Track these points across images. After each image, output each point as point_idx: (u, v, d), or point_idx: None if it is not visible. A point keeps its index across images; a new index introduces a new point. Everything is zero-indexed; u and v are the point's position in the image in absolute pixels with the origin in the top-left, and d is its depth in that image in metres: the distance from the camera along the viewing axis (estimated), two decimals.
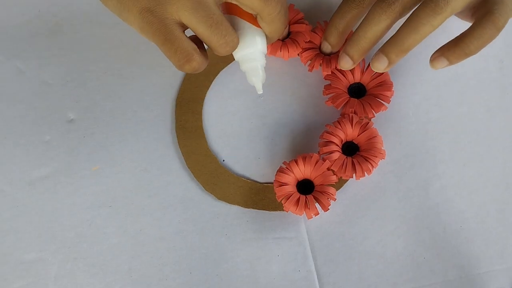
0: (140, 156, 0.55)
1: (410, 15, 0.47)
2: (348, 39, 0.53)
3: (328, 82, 0.55)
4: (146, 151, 0.55)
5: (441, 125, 0.55)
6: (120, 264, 0.51)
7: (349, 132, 0.53)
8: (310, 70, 0.56)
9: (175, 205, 0.53)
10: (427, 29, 0.46)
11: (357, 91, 0.55)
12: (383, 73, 0.54)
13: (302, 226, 0.52)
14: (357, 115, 0.53)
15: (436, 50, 0.48)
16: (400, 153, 0.54)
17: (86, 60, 0.55)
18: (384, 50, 0.48)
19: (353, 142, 0.53)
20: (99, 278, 0.51)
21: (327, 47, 0.55)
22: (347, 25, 0.51)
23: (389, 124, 0.55)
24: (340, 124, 0.53)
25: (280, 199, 0.51)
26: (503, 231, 0.51)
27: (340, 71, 0.55)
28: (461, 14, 0.49)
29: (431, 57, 0.48)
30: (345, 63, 0.51)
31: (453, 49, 0.46)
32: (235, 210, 0.53)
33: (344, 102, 0.54)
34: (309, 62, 0.56)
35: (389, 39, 0.47)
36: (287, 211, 0.51)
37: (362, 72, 0.55)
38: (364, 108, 0.53)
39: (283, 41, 0.56)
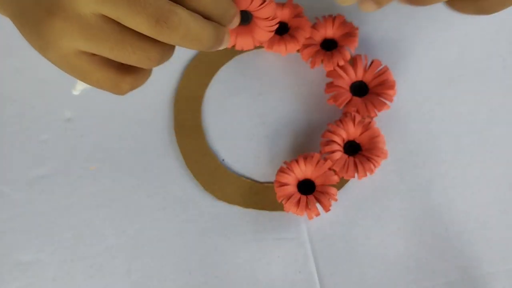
0: (139, 155, 0.54)
1: None
2: None
3: (329, 80, 0.55)
4: (145, 151, 0.55)
5: (444, 125, 0.54)
6: (118, 265, 0.51)
7: (351, 131, 0.52)
8: (312, 67, 0.55)
9: (174, 205, 0.53)
10: None
11: (359, 89, 0.54)
12: (385, 71, 0.54)
13: (303, 227, 0.52)
14: (359, 114, 0.53)
15: None
16: (402, 152, 0.54)
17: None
18: None
19: (355, 142, 0.53)
20: (98, 279, 0.51)
21: (371, 5, 0.46)
22: None
23: (392, 123, 0.54)
24: (342, 123, 0.52)
25: (281, 199, 0.51)
26: (506, 232, 0.51)
27: (342, 68, 0.54)
28: None
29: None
30: (368, 6, 0.45)
31: None
32: (235, 210, 0.53)
33: (346, 101, 0.53)
34: (311, 59, 0.55)
35: None
36: (287, 212, 0.51)
37: (365, 70, 0.54)
38: (366, 107, 0.53)
39: (281, 35, 0.56)
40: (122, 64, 0.39)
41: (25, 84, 0.57)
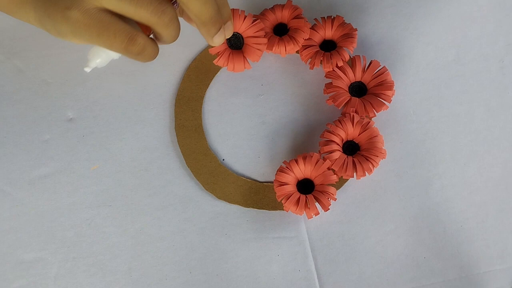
0: (140, 155, 0.55)
1: None
2: None
3: (329, 80, 0.55)
4: (145, 150, 0.55)
5: (442, 125, 0.55)
6: (120, 263, 0.51)
7: (350, 131, 0.52)
8: (311, 68, 0.55)
9: (175, 205, 0.53)
10: None
11: (358, 90, 0.55)
12: (384, 72, 0.54)
13: (302, 226, 0.52)
14: (358, 114, 0.53)
15: None
16: (400, 152, 0.54)
17: (85, 59, 0.55)
18: None
19: (354, 142, 0.53)
20: (99, 278, 0.51)
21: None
22: None
23: (390, 123, 0.55)
24: (341, 123, 0.52)
25: (280, 198, 0.51)
26: (503, 231, 0.51)
27: (341, 69, 0.55)
28: None
29: None
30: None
31: None
32: (235, 209, 0.53)
33: (345, 101, 0.54)
34: (310, 60, 0.56)
35: None
36: (287, 211, 0.51)
37: (363, 71, 0.55)
38: (365, 108, 0.53)
39: (280, 37, 0.56)
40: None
41: (28, 84, 0.57)
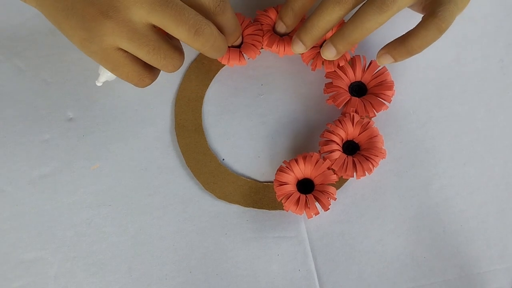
0: (140, 155, 0.55)
1: (358, 10, 0.49)
2: (302, 22, 0.55)
3: (329, 80, 0.55)
4: (146, 150, 0.55)
5: (442, 125, 0.55)
6: (120, 263, 0.51)
7: (350, 131, 0.52)
8: (313, 70, 0.55)
9: (175, 204, 0.53)
10: (373, 25, 0.48)
11: (358, 89, 0.55)
12: (384, 72, 0.54)
13: (302, 226, 0.52)
14: (358, 114, 0.53)
15: (383, 47, 0.50)
16: (400, 152, 0.54)
17: (85, 58, 0.55)
18: (332, 40, 0.51)
19: (353, 141, 0.53)
20: (99, 277, 0.51)
21: (281, 27, 0.55)
22: (302, 7, 0.53)
23: (390, 123, 0.55)
24: (341, 123, 0.52)
25: (280, 198, 0.51)
26: (503, 231, 0.51)
27: (341, 69, 0.55)
28: (412, 7, 0.51)
29: (378, 53, 0.50)
30: (298, 48, 0.53)
31: (398, 47, 0.49)
32: (235, 209, 0.53)
33: (345, 101, 0.54)
34: (311, 61, 0.56)
35: (337, 31, 0.51)
36: (287, 211, 0.51)
37: (363, 71, 0.55)
38: (365, 107, 0.53)
39: (281, 36, 0.56)
40: (147, 63, 0.47)
41: (28, 84, 0.57)
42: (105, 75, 0.51)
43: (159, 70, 0.49)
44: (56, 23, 0.46)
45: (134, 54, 0.45)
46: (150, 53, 0.45)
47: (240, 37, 0.54)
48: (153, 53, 0.45)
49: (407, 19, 0.58)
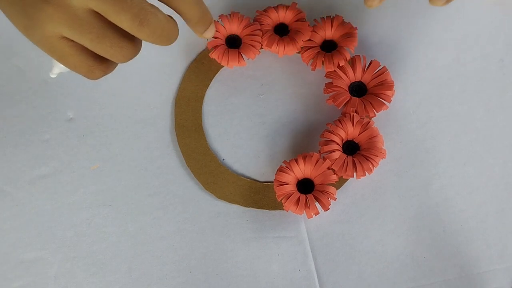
0: (140, 154, 0.55)
1: None
2: None
3: (329, 80, 0.55)
4: (146, 150, 0.55)
5: (442, 125, 0.55)
6: (120, 263, 0.51)
7: (350, 131, 0.52)
8: (313, 69, 0.55)
9: (175, 204, 0.53)
10: None
11: (358, 89, 0.55)
12: (384, 72, 0.54)
13: (302, 226, 0.52)
14: (358, 114, 0.53)
15: None
16: (400, 152, 0.54)
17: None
18: None
19: (353, 141, 0.53)
20: (99, 277, 0.51)
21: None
22: None
23: (390, 123, 0.55)
24: (341, 123, 0.52)
25: (280, 198, 0.51)
26: (503, 231, 0.51)
27: (341, 69, 0.55)
28: None
29: None
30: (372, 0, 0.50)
31: None
32: (235, 209, 0.53)
33: (345, 101, 0.54)
34: (311, 61, 0.56)
35: None
36: (287, 211, 0.51)
37: (363, 71, 0.55)
38: (365, 107, 0.53)
39: (281, 36, 0.56)
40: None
41: (28, 84, 0.57)
42: (59, 66, 0.47)
43: (114, 62, 0.45)
44: (3, 10, 0.43)
45: (79, 43, 0.42)
46: (94, 41, 0.41)
47: (213, 29, 0.49)
48: (97, 41, 0.41)
49: (408, 19, 0.58)
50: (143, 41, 0.43)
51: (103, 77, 0.44)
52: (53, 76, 0.48)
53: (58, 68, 0.47)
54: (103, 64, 0.44)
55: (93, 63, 0.43)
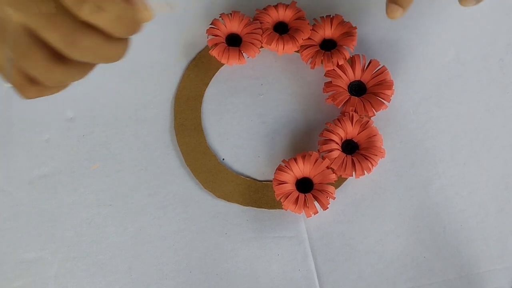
0: (140, 154, 0.55)
1: None
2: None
3: (328, 79, 0.55)
4: (145, 150, 0.55)
5: (441, 124, 0.55)
6: (120, 263, 0.51)
7: (349, 130, 0.52)
8: (312, 68, 0.56)
9: (175, 204, 0.53)
10: None
11: (358, 89, 0.55)
12: (383, 71, 0.54)
13: (302, 225, 0.52)
14: (357, 113, 0.53)
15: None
16: (400, 152, 0.54)
17: None
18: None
19: (353, 141, 0.53)
20: (99, 277, 0.51)
21: (397, 10, 0.50)
22: None
23: (389, 122, 0.55)
24: (340, 122, 0.52)
25: (279, 197, 0.51)
26: (503, 231, 0.51)
27: (341, 68, 0.55)
28: None
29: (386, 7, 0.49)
30: (396, 12, 0.49)
31: None
32: (235, 209, 0.53)
33: (345, 100, 0.54)
34: (311, 59, 0.56)
35: None
36: (286, 210, 0.51)
37: (363, 70, 0.55)
38: (364, 107, 0.53)
39: (281, 35, 0.56)
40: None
41: None
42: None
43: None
44: None
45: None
46: (19, 59, 0.37)
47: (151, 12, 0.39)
48: (22, 60, 0.36)
49: (408, 18, 0.58)
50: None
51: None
52: (8, 86, 0.42)
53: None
54: (36, 85, 0.39)
55: (24, 82, 0.38)
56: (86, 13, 0.35)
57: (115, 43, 0.38)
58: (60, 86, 0.41)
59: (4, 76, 0.38)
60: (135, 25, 0.38)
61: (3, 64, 0.38)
